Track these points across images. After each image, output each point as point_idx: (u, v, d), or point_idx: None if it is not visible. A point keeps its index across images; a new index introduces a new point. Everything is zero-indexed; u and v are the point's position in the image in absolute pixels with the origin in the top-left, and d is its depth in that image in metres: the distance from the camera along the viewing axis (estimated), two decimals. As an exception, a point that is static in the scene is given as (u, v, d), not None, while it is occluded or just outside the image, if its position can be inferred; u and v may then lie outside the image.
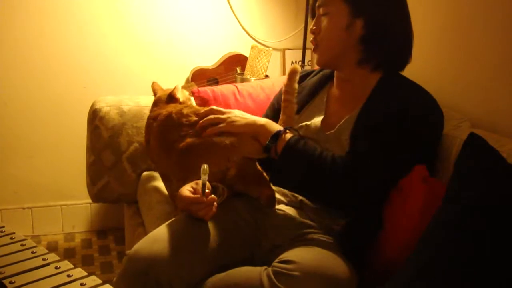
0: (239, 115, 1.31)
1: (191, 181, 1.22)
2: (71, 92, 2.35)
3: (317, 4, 1.35)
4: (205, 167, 1.10)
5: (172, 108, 1.43)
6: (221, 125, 1.28)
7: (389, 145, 1.21)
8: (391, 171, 1.20)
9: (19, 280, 0.72)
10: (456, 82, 1.64)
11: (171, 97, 1.50)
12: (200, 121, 1.31)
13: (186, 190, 1.18)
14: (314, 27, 1.37)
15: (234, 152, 1.27)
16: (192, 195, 1.16)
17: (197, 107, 1.46)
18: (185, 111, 1.39)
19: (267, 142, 1.25)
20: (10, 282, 0.70)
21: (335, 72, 1.44)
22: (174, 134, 1.35)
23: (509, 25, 1.42)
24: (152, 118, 1.48)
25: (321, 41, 1.34)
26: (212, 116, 1.31)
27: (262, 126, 1.28)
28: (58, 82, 2.33)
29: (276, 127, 1.28)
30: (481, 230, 0.86)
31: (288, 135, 1.25)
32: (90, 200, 2.32)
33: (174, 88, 1.50)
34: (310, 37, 1.41)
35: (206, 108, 1.37)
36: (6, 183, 2.36)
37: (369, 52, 1.31)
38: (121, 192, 1.90)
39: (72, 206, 2.47)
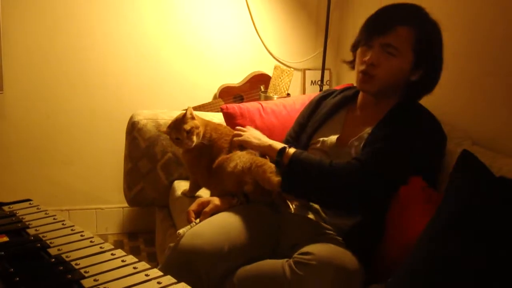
0: (253, 135, 1.63)
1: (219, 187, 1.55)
2: (108, 105, 2.51)
3: (382, 42, 1.41)
4: None
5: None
6: (240, 138, 1.61)
7: (390, 154, 1.35)
8: (387, 174, 1.34)
9: (102, 278, 0.81)
10: (462, 107, 1.78)
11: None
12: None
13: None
14: (373, 60, 1.42)
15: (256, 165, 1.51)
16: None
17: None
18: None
19: (275, 157, 1.50)
20: (94, 280, 0.81)
21: (361, 94, 1.57)
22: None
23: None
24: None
25: (379, 75, 1.44)
26: (237, 132, 1.65)
27: (270, 146, 1.55)
28: (96, 96, 2.49)
29: (280, 145, 1.53)
30: (467, 234, 0.98)
31: (292, 150, 1.48)
32: (123, 205, 2.51)
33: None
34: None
35: (235, 132, 1.69)
36: (47, 186, 2.52)
37: (412, 92, 1.49)
38: (154, 197, 2.06)
39: (106, 210, 2.64)
